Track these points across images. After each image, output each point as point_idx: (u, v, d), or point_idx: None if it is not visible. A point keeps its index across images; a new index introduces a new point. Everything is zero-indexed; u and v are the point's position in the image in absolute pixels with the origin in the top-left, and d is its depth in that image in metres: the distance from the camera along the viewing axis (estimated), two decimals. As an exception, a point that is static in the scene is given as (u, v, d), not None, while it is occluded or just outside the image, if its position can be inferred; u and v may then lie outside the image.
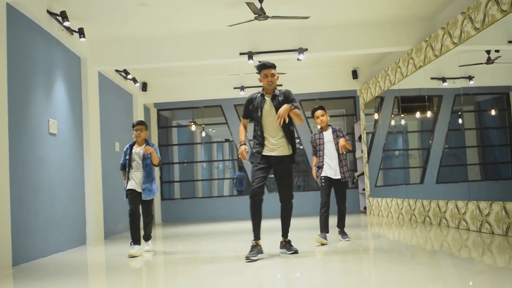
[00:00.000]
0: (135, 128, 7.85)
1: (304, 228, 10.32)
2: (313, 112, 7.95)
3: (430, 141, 10.34)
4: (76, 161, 9.69)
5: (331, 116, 16.35)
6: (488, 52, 7.88)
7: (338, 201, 7.80)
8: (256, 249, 6.30)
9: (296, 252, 6.55)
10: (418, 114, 11.05)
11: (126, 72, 12.08)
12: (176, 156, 17.42)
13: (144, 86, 14.07)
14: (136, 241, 7.68)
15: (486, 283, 4.34)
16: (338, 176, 7.66)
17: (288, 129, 6.46)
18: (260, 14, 8.39)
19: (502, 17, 7.08)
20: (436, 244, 7.09)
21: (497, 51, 7.74)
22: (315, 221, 8.40)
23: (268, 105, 6.45)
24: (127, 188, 7.71)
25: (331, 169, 7.66)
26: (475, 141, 9.05)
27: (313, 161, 7.89)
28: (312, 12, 9.44)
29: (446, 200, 8.97)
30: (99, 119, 10.57)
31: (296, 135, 15.68)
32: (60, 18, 8.49)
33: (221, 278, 5.54)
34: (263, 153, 6.42)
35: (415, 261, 5.85)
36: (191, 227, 12.93)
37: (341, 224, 7.86)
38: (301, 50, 10.32)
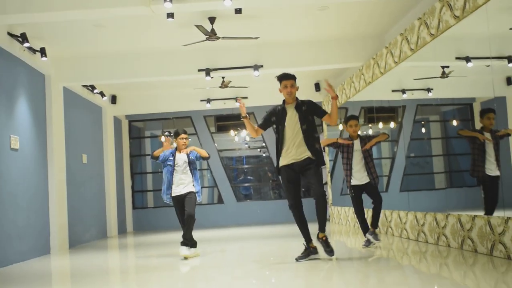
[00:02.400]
0: (180, 137, 8.17)
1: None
2: (347, 120, 8.16)
3: (395, 150, 10.71)
4: (40, 174, 10.07)
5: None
6: (443, 67, 8.25)
7: (375, 201, 7.98)
8: (307, 251, 6.72)
9: (332, 253, 6.71)
10: (381, 125, 11.40)
11: (93, 87, 12.51)
12: (149, 166, 17.81)
13: (113, 99, 14.48)
14: (185, 244, 8.01)
15: None
16: (366, 180, 7.92)
17: (309, 133, 6.66)
18: (211, 35, 8.84)
19: (431, 40, 7.58)
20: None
21: (447, 66, 8.07)
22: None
23: (291, 113, 6.67)
24: (173, 196, 8.05)
25: (359, 177, 7.93)
26: (441, 150, 9.36)
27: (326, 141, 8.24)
28: (266, 31, 9.91)
29: (391, 210, 9.37)
30: (63, 133, 10.96)
31: (262, 145, 16.26)
32: (20, 39, 8.90)
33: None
34: (288, 164, 6.65)
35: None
36: (163, 236, 13.29)
37: (375, 224, 7.98)
38: (256, 67, 10.80)
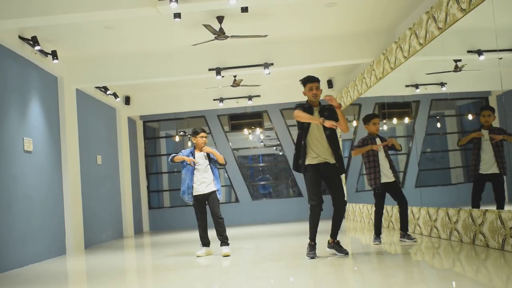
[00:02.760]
0: (200, 135, 8.19)
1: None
2: (370, 118, 8.16)
3: (410, 146, 10.67)
4: (54, 175, 10.17)
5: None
6: (455, 61, 8.21)
7: (401, 203, 7.98)
8: (314, 246, 6.83)
9: (347, 253, 6.83)
10: (395, 120, 11.36)
11: (106, 88, 12.60)
12: (164, 166, 17.91)
13: (127, 100, 14.58)
14: (205, 244, 8.23)
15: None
16: (393, 179, 7.95)
17: (333, 140, 6.75)
18: (219, 34, 8.86)
19: (439, 34, 7.54)
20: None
21: (460, 60, 8.01)
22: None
23: (316, 117, 6.71)
24: (194, 195, 8.07)
25: (387, 174, 7.94)
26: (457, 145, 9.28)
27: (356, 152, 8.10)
28: (275, 29, 9.93)
29: (418, 207, 9.33)
30: (77, 134, 11.06)
31: (277, 143, 16.30)
32: (31, 43, 8.99)
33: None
34: (312, 163, 6.70)
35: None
36: (180, 235, 13.35)
37: (406, 227, 7.97)
38: (266, 65, 10.81)
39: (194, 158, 8.09)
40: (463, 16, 6.84)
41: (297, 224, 13.64)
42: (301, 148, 6.80)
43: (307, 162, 6.74)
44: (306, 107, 6.83)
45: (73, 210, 10.55)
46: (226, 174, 16.80)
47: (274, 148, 18.44)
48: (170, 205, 17.36)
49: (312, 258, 6.71)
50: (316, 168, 6.73)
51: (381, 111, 11.87)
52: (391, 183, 7.96)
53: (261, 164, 19.74)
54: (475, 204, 7.16)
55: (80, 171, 11.22)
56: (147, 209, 16.45)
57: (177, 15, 7.94)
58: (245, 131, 16.54)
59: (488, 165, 7.07)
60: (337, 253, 6.87)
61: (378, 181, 7.89)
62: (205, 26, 8.48)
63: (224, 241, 8.04)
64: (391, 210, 10.26)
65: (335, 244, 6.93)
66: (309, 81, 6.87)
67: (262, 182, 19.00)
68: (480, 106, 7.71)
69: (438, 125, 9.58)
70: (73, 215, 10.51)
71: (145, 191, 16.45)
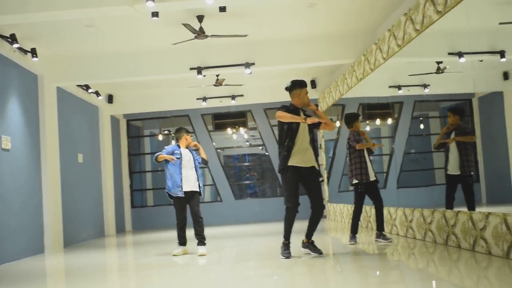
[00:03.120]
0: (187, 135, 8.29)
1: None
2: (357, 117, 8.29)
3: (393, 146, 10.71)
4: (33, 174, 10.13)
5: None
6: (438, 62, 8.24)
7: (378, 203, 8.04)
8: (288, 246, 6.88)
9: (321, 253, 6.86)
10: (378, 121, 11.40)
11: (87, 86, 12.55)
12: (148, 164, 17.88)
13: (110, 99, 14.53)
14: (183, 243, 8.29)
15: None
16: (374, 178, 8.02)
17: (313, 145, 6.89)
18: (199, 33, 8.86)
19: (416, 36, 7.58)
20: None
21: (441, 62, 8.06)
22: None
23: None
24: (184, 190, 8.05)
25: (371, 173, 7.99)
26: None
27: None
28: (256, 29, 9.94)
29: (395, 207, 9.38)
30: (57, 132, 11.02)
31: (262, 142, 16.32)
32: (10, 40, 8.95)
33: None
34: (295, 165, 6.73)
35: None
36: (163, 234, 13.31)
37: (382, 227, 8.02)
38: (247, 65, 10.82)
39: (180, 154, 8.08)
40: (439, 18, 6.87)
41: (279, 224, 13.60)
42: (285, 148, 6.79)
43: (290, 163, 6.75)
44: (291, 109, 6.87)
45: (52, 209, 10.51)
46: (209, 174, 16.78)
47: (260, 148, 18.46)
48: (154, 204, 17.35)
49: (287, 257, 6.74)
50: (297, 170, 6.77)
51: (365, 112, 11.91)
52: (372, 182, 8.01)
53: (246, 164, 19.77)
54: (449, 205, 7.22)
55: (60, 170, 11.17)
56: (130, 208, 16.40)
57: (155, 14, 7.94)
58: (229, 130, 16.54)
59: (453, 166, 7.15)
60: (311, 253, 6.90)
61: (366, 177, 7.92)
62: (185, 25, 8.48)
63: (201, 240, 8.05)
64: (369, 210, 10.30)
65: (309, 244, 6.98)
66: (303, 85, 6.96)
67: (247, 182, 19.03)
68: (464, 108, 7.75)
69: (422, 126, 9.62)
70: (52, 214, 10.46)
71: (128, 190, 16.41)
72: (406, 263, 6.29)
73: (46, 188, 10.44)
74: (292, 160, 6.74)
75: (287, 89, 7.02)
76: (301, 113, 6.87)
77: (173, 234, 12.53)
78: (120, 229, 15.45)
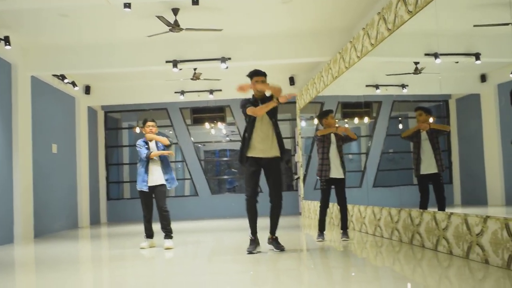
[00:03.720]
0: (146, 125, 8.18)
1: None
2: (326, 113, 8.26)
3: (369, 145, 10.73)
4: (3, 163, 10.05)
5: (278, 120, 16.78)
6: (415, 63, 8.26)
7: (341, 201, 8.06)
8: (255, 241, 6.88)
9: (283, 250, 6.86)
10: (356, 120, 11.41)
11: (63, 76, 12.46)
12: (126, 157, 17.80)
13: (87, 89, 14.45)
14: (149, 236, 8.26)
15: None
16: (341, 176, 7.99)
17: (277, 132, 6.86)
18: (174, 26, 8.83)
19: (389, 35, 7.60)
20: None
21: (418, 62, 8.08)
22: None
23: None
24: (148, 185, 8.00)
25: (335, 170, 7.97)
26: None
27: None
28: (233, 23, 9.93)
29: (353, 205, 9.41)
30: (30, 122, 10.93)
31: (240, 138, 16.26)
32: (-18, 27, 8.89)
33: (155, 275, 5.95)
34: (254, 155, 6.76)
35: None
36: (138, 227, 13.22)
37: (344, 225, 8.04)
38: (223, 59, 10.80)
39: (149, 148, 8.04)
40: (410, 18, 6.89)
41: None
42: (245, 140, 6.83)
43: (248, 154, 6.78)
44: (252, 101, 6.87)
45: (23, 198, 10.44)
46: (187, 168, 16.73)
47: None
48: (130, 196, 17.26)
49: (250, 252, 6.74)
50: (256, 161, 6.79)
51: (343, 110, 11.93)
52: (339, 180, 8.00)
53: (225, 159, 19.76)
54: (423, 205, 7.16)
55: (33, 159, 11.10)
56: (105, 200, 16.31)
57: (127, 5, 7.90)
58: (207, 125, 16.50)
59: (428, 165, 7.15)
60: (274, 249, 6.91)
61: (327, 174, 7.91)
62: (159, 17, 8.44)
63: (167, 234, 8.04)
64: (332, 207, 10.33)
65: (273, 240, 6.99)
66: (255, 74, 6.91)
67: (225, 177, 19.01)
68: (438, 109, 7.79)
69: (400, 126, 9.65)
70: (22, 203, 10.39)
71: (104, 182, 16.32)
72: (373, 262, 6.30)
73: (17, 177, 10.36)
74: (250, 151, 6.78)
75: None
76: (259, 104, 6.82)
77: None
78: (95, 221, 15.37)
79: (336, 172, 7.97)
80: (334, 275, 5.48)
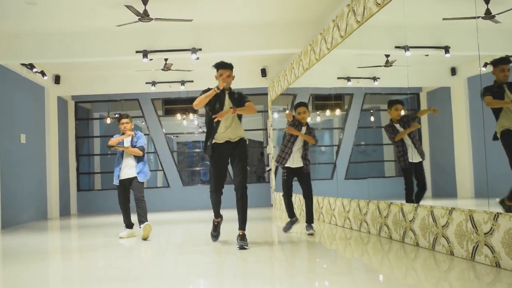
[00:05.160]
0: (120, 122, 8.35)
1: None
2: (296, 107, 8.17)
3: (340, 138, 10.74)
4: (-31, 153, 9.89)
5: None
6: (386, 55, 8.26)
7: (305, 192, 7.99)
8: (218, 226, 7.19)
9: (243, 247, 6.47)
10: (328, 112, 11.41)
11: (32, 65, 12.27)
12: (97, 148, 17.64)
13: (57, 79, 14.26)
14: (128, 226, 8.41)
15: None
16: (300, 164, 7.91)
17: (240, 123, 6.90)
18: (143, 16, 8.73)
19: (358, 27, 7.60)
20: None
21: (388, 55, 8.07)
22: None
23: (227, 100, 6.74)
24: (119, 179, 8.21)
25: (295, 160, 7.90)
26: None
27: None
28: (203, 14, 9.85)
29: (323, 197, 9.44)
30: (-3, 112, 10.77)
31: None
32: None
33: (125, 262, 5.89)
34: (222, 142, 6.76)
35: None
36: (108, 218, 13.19)
37: (310, 219, 7.93)
38: (194, 50, 10.72)
39: (122, 142, 8.30)
40: (378, 11, 6.90)
41: (226, 211, 13.62)
42: (211, 130, 6.81)
43: (214, 141, 6.79)
44: (217, 93, 6.70)
45: (-10, 189, 10.29)
46: (158, 159, 16.64)
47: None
48: (101, 187, 17.12)
49: (215, 238, 6.96)
50: (224, 146, 6.81)
51: (315, 102, 11.94)
52: (300, 171, 7.95)
53: (198, 150, 19.68)
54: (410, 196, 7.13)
55: (0, 150, 10.92)
56: (76, 191, 16.15)
57: (95, -6, 7.79)
58: (178, 116, 16.41)
59: (414, 154, 7.13)
60: (237, 245, 6.56)
61: (282, 162, 7.92)
62: (127, 6, 8.34)
63: (142, 221, 8.06)
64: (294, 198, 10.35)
65: (238, 236, 6.64)
66: (221, 67, 6.81)
67: (197, 168, 18.93)
68: (390, 100, 7.82)
69: (372, 118, 9.68)
70: (-11, 194, 10.24)
71: (74, 173, 16.14)
72: (342, 253, 6.32)
73: (-17, 168, 10.20)
74: (216, 138, 6.79)
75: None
76: (226, 97, 6.78)
77: (120, 218, 12.50)
78: (65, 213, 15.22)
79: (293, 162, 7.93)
80: (302, 267, 5.48)
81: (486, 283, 4.19)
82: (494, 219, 4.55)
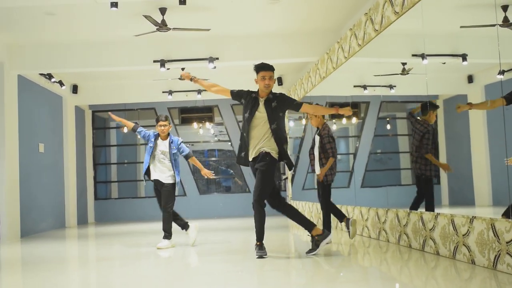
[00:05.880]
0: (159, 124, 8.07)
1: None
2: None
3: (357, 146, 10.73)
4: (-11, 162, 9.98)
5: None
6: (403, 64, 8.24)
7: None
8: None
9: (261, 256, 6.30)
10: (344, 120, 11.41)
11: (50, 75, 12.39)
12: (114, 156, 17.72)
13: (74, 89, 14.39)
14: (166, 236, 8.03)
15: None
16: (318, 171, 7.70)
17: (281, 137, 6.30)
18: (161, 26, 8.79)
19: (376, 36, 7.61)
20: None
21: (405, 63, 8.05)
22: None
23: (261, 109, 6.30)
24: (152, 178, 7.99)
25: (317, 167, 7.76)
26: (407, 147, 9.20)
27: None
28: (220, 24, 9.92)
29: (340, 205, 9.41)
30: (17, 121, 10.85)
31: (228, 138, 16.23)
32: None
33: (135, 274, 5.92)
34: (249, 157, 6.35)
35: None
36: (126, 226, 13.25)
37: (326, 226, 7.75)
38: (211, 59, 10.78)
39: (155, 143, 7.98)
40: (396, 19, 6.91)
41: (242, 219, 13.65)
42: (246, 141, 6.42)
43: (251, 157, 6.41)
44: (250, 98, 6.38)
45: (9, 198, 10.36)
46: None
47: (229, 143, 18.42)
48: (118, 196, 17.20)
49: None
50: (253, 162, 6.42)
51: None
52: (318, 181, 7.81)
53: (214, 159, 19.72)
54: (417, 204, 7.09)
55: (20, 159, 11.02)
56: (93, 199, 16.24)
57: (114, 4, 7.85)
58: (195, 125, 16.47)
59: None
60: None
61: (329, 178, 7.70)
62: (146, 17, 8.41)
63: (164, 234, 7.98)
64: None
65: (256, 246, 6.44)
66: (263, 68, 6.35)
67: (214, 177, 18.93)
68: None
69: (388, 126, 9.66)
70: (8, 203, 10.32)
71: (91, 182, 16.24)
72: (360, 262, 6.30)
73: (3, 177, 10.29)
74: (251, 152, 6.38)
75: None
76: (261, 104, 6.30)
77: (137, 226, 12.57)
78: (82, 221, 15.30)
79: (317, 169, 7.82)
80: (321, 275, 5.48)
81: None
82: (516, 227, 4.53)
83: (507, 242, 4.65)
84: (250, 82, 6.89)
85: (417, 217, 6.47)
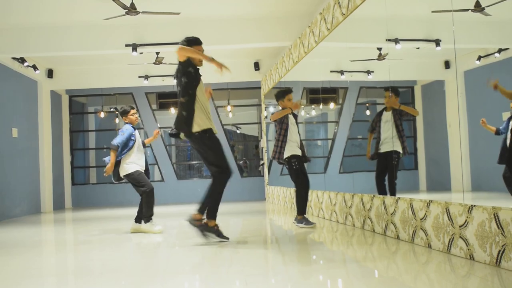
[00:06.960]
0: (131, 113, 8.00)
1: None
2: (284, 93, 7.89)
3: (335, 131, 10.72)
4: (-41, 147, 9.90)
5: (243, 106, 16.68)
6: (379, 49, 8.20)
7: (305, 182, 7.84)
8: None
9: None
10: (322, 106, 11.39)
11: (23, 59, 12.26)
12: (92, 141, 17.64)
13: (50, 73, 14.26)
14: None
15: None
16: (299, 152, 7.73)
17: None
18: (130, 9, 8.71)
19: (343, 20, 7.58)
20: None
21: (380, 48, 8.03)
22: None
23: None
24: (135, 170, 7.81)
25: (295, 148, 7.72)
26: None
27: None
28: (194, 7, 9.83)
29: (322, 191, 9.42)
30: (-13, 105, 10.77)
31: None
32: None
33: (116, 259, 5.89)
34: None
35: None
36: (103, 212, 13.21)
37: (303, 210, 7.76)
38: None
39: (135, 136, 7.94)
40: (362, 3, 6.88)
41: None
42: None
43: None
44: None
45: (-20, 183, 10.30)
46: (152, 153, 16.62)
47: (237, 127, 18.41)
48: (97, 181, 17.13)
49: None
50: None
51: (309, 96, 11.90)
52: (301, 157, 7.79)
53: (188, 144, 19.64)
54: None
55: (-9, 144, 10.95)
56: (70, 185, 16.16)
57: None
58: (173, 109, 16.40)
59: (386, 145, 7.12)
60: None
61: (281, 156, 7.68)
62: (114, 0, 8.32)
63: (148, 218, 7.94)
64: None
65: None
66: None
67: (193, 162, 18.90)
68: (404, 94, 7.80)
69: (368, 112, 9.65)
70: (-21, 188, 10.26)
71: (68, 167, 16.16)
72: (329, 246, 6.31)
73: (-27, 162, 10.21)
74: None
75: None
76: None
77: (114, 212, 12.57)
78: (59, 207, 15.24)
79: (295, 150, 7.75)
80: (292, 257, 5.48)
81: (461, 276, 4.19)
82: (468, 211, 4.55)
83: (460, 226, 4.67)
84: (236, 66, 6.82)
85: (380, 201, 6.48)
